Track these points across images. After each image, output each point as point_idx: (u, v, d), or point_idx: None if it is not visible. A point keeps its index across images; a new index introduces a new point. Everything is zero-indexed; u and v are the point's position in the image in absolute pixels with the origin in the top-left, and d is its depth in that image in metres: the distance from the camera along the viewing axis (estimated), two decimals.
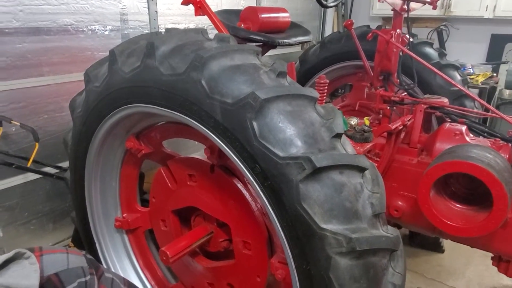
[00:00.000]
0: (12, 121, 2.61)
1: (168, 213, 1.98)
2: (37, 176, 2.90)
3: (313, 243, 1.22)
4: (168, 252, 1.74)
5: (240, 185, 1.67)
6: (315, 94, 1.35)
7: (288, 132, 1.23)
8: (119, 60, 1.61)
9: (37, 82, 2.88)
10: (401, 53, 2.48)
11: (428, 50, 3.10)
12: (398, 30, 2.44)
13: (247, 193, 1.66)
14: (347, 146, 1.33)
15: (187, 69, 1.37)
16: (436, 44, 4.71)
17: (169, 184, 1.93)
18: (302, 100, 1.32)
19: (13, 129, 2.78)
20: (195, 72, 1.35)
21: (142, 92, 1.53)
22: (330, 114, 1.34)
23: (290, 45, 2.36)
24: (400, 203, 2.18)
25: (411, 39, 2.58)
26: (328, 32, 6.18)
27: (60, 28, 2.95)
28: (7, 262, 1.07)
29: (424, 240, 3.33)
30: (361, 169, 1.29)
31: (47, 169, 2.85)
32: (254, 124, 1.24)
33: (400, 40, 2.48)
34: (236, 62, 1.38)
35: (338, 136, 1.30)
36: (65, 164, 2.81)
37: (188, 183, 1.85)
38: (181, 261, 1.96)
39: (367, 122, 2.35)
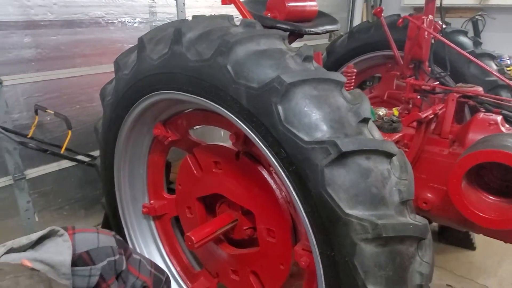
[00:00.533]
0: (46, 110, 2.71)
1: (194, 200, 2.01)
2: (70, 163, 3.02)
3: (338, 229, 1.21)
4: (193, 237, 1.76)
5: (265, 173, 1.67)
6: (342, 78, 1.33)
7: (313, 117, 1.22)
8: (147, 47, 1.64)
9: (70, 73, 2.98)
10: (433, 41, 2.39)
11: (462, 38, 2.97)
12: (430, 16, 2.35)
13: (272, 181, 1.66)
14: (374, 132, 1.30)
15: (213, 55, 1.38)
16: (471, 35, 4.52)
17: (195, 172, 1.96)
18: (328, 84, 1.30)
19: (48, 118, 2.90)
20: (221, 57, 1.36)
21: (170, 79, 1.56)
22: (357, 99, 1.31)
23: (317, 33, 2.31)
24: (429, 195, 2.12)
25: (444, 26, 2.47)
26: (356, 24, 6.04)
27: (91, 21, 3.04)
28: (42, 239, 1.12)
29: (454, 236, 3.21)
30: (389, 155, 1.26)
31: (79, 157, 2.96)
32: (279, 108, 1.24)
33: (432, 27, 2.38)
34: (262, 47, 1.38)
35: (365, 121, 1.28)
36: (96, 153, 2.91)
37: (214, 170, 1.87)
38: (206, 248, 1.99)
39: (396, 113, 2.30)
